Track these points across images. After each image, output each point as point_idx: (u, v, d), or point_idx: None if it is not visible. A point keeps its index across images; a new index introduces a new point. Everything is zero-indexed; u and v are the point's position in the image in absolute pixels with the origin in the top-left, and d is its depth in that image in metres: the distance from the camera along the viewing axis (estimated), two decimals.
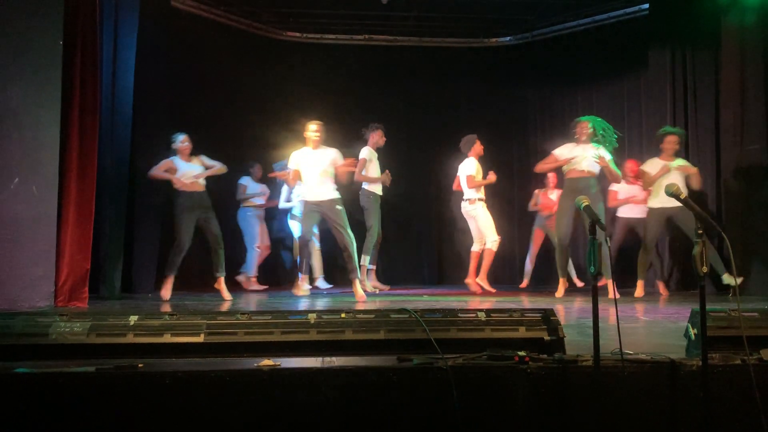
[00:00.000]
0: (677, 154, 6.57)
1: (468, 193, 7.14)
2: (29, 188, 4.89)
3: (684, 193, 2.59)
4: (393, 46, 9.56)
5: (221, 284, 6.30)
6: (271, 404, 2.37)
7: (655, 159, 6.58)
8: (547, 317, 2.73)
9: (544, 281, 8.30)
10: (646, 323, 4.19)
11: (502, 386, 2.46)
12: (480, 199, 7.12)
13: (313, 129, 6.36)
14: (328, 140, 8.33)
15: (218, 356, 2.56)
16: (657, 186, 6.35)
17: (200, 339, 2.56)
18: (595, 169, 6.36)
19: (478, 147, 7.25)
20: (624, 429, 2.47)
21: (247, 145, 8.84)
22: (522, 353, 2.50)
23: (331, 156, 6.33)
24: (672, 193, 2.55)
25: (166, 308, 5.14)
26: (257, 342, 2.59)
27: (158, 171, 6.25)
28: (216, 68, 8.36)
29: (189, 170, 6.31)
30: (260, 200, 8.09)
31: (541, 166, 6.77)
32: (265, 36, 9.19)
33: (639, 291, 6.53)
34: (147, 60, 6.76)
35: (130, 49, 6.46)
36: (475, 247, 7.21)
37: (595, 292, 2.40)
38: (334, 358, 2.57)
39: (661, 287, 6.95)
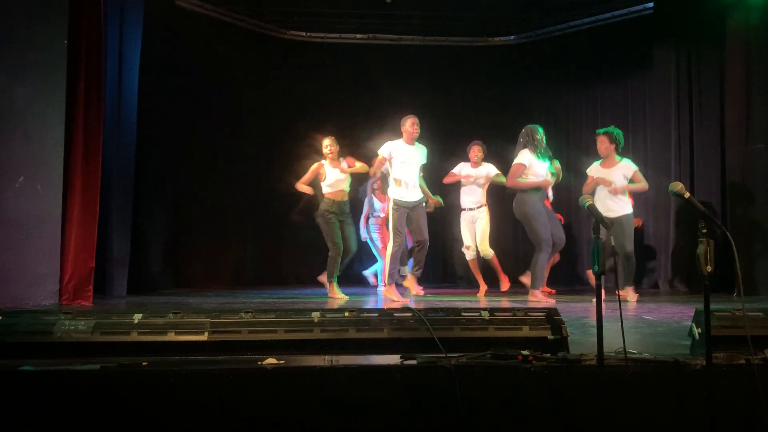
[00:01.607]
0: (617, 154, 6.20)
1: None
2: (34, 186, 4.91)
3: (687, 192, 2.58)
4: (396, 45, 9.56)
5: (324, 280, 6.55)
6: (275, 402, 2.37)
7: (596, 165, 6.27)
8: (551, 316, 2.73)
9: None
10: (650, 323, 4.18)
11: (506, 385, 2.46)
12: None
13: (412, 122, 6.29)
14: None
15: (222, 355, 2.56)
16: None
17: (204, 337, 2.56)
18: None
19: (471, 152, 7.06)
20: (628, 428, 2.46)
21: (249, 143, 8.86)
22: (525, 352, 2.50)
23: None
24: (676, 192, 2.55)
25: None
26: (261, 340, 2.59)
27: (302, 184, 6.51)
28: (219, 67, 8.38)
29: (335, 177, 6.46)
30: (380, 213, 7.75)
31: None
32: (268, 35, 9.19)
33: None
34: (151, 59, 6.79)
35: (134, 49, 6.48)
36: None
37: (599, 292, 2.40)
38: (337, 357, 2.58)
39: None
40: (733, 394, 2.48)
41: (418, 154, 6.38)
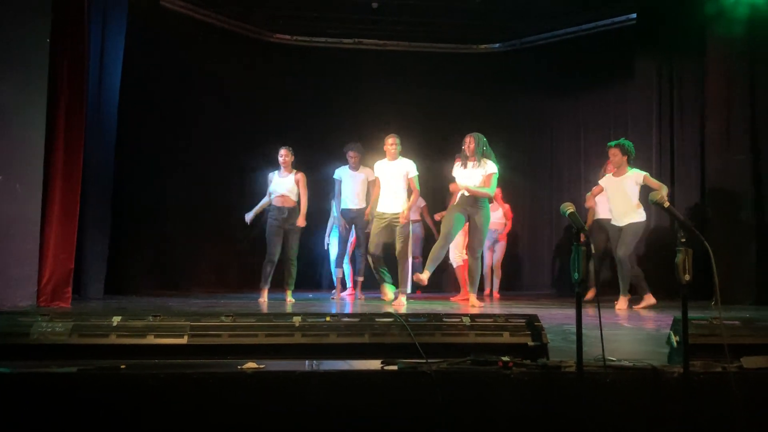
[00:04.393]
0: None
1: None
2: (13, 187, 4.85)
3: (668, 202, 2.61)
4: (382, 50, 9.58)
5: (287, 296, 6.45)
6: (255, 407, 2.36)
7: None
8: (531, 323, 2.73)
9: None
10: (629, 330, 4.22)
11: (486, 391, 2.46)
12: None
13: (389, 142, 6.44)
14: (317, 144, 8.29)
15: (202, 358, 2.54)
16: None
17: (184, 341, 2.54)
18: None
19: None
20: None
21: (233, 146, 8.82)
22: (506, 358, 2.51)
23: (406, 168, 6.45)
24: (656, 201, 2.58)
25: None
26: (241, 344, 2.57)
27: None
28: (204, 69, 8.34)
29: (281, 185, 6.49)
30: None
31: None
32: (253, 37, 9.18)
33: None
34: (134, 59, 6.75)
35: (117, 49, 6.44)
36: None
37: (579, 299, 2.42)
38: (318, 362, 2.57)
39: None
40: (709, 401, 2.51)
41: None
